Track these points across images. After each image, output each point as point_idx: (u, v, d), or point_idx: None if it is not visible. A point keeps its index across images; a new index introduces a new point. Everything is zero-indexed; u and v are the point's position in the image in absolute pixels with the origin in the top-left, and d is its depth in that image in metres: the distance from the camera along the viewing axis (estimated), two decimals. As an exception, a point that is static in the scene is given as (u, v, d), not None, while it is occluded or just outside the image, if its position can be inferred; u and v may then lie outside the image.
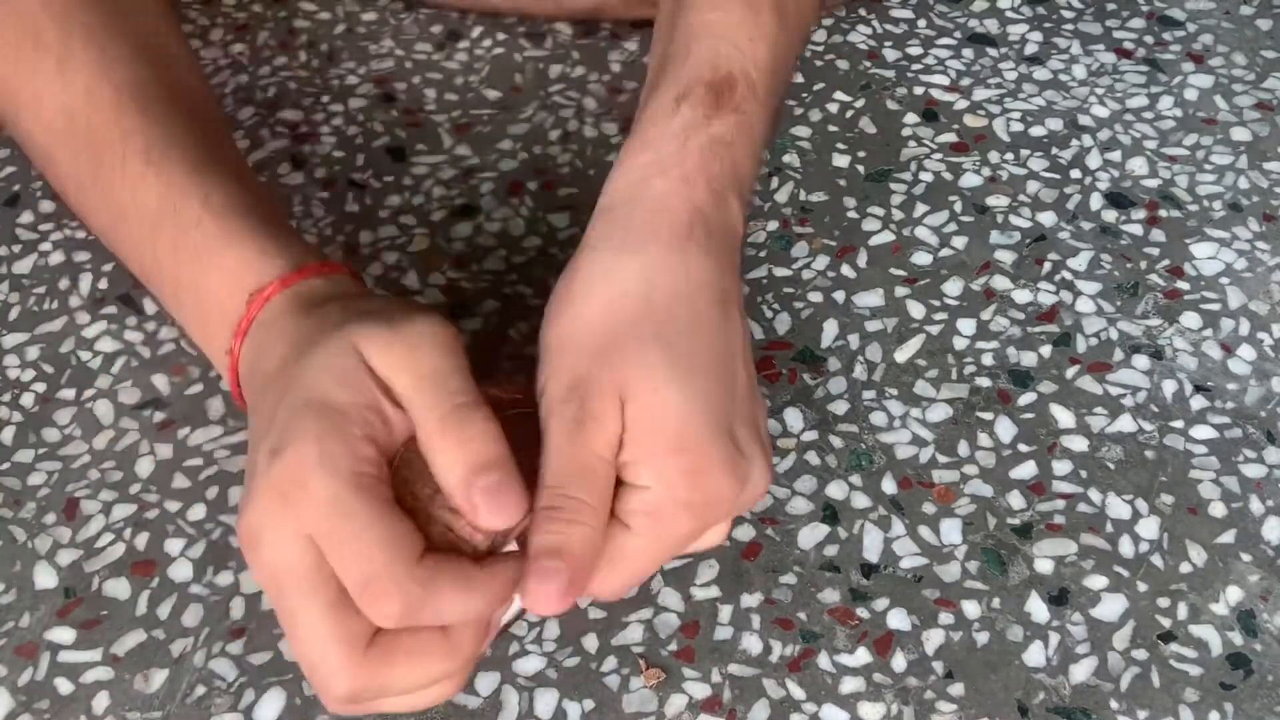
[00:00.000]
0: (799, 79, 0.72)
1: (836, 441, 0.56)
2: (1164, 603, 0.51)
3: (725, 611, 0.51)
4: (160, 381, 0.59)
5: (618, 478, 0.44)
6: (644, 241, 0.47)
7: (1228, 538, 0.53)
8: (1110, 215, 0.65)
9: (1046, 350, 0.60)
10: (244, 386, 0.48)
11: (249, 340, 0.48)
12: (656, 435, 0.44)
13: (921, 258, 0.63)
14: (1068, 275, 0.62)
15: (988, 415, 0.57)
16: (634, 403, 0.44)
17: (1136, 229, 0.64)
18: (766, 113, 0.53)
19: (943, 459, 0.56)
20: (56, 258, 0.64)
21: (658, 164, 0.49)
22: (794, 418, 0.57)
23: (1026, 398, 0.58)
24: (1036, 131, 0.69)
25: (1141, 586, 0.52)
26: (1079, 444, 0.56)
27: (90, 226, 0.57)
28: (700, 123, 0.49)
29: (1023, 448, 0.56)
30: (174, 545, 0.54)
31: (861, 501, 0.55)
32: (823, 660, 0.50)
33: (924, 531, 0.54)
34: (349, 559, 0.40)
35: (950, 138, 0.69)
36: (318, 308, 0.47)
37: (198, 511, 0.55)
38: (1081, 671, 0.50)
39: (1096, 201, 0.66)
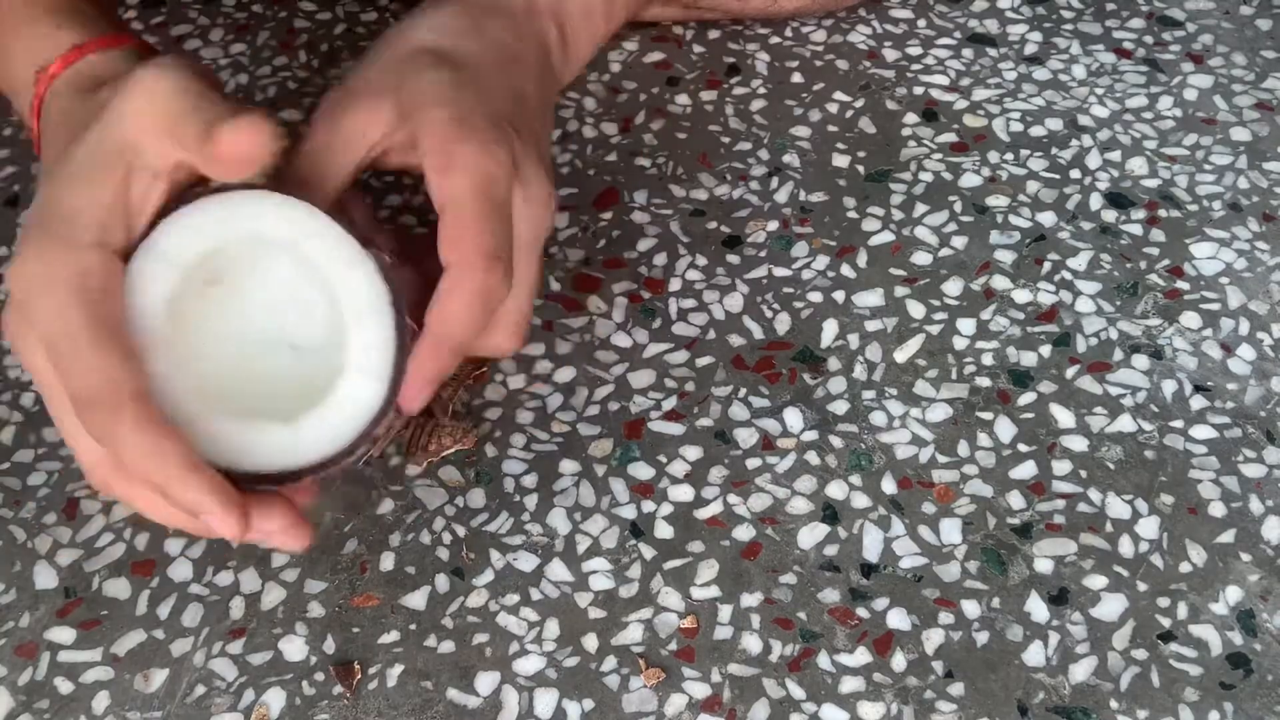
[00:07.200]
0: (799, 79, 0.72)
1: (836, 441, 0.56)
2: (1164, 602, 0.51)
3: (725, 611, 0.51)
4: (160, 381, 0.59)
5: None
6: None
7: (1227, 537, 0.53)
8: (1110, 215, 0.65)
9: (1046, 350, 0.59)
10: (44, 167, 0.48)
11: (44, 120, 0.48)
12: (428, 105, 0.46)
13: (921, 258, 0.63)
14: (1067, 275, 0.62)
15: (987, 415, 0.57)
16: (407, 89, 0.46)
17: (1136, 229, 0.64)
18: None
19: (943, 459, 0.56)
20: (56, 258, 0.64)
21: None
22: (794, 418, 0.57)
23: (1026, 398, 0.58)
24: (1036, 131, 0.69)
25: (1141, 586, 0.52)
26: (1079, 444, 0.56)
27: None
28: None
29: (1022, 448, 0.56)
30: (174, 545, 0.54)
31: (861, 501, 0.55)
32: (822, 660, 0.50)
33: (924, 531, 0.54)
34: (67, 378, 0.42)
35: (950, 138, 0.69)
36: (96, 90, 0.45)
37: (198, 511, 0.55)
38: (1081, 671, 0.50)
39: (1096, 201, 0.66)
